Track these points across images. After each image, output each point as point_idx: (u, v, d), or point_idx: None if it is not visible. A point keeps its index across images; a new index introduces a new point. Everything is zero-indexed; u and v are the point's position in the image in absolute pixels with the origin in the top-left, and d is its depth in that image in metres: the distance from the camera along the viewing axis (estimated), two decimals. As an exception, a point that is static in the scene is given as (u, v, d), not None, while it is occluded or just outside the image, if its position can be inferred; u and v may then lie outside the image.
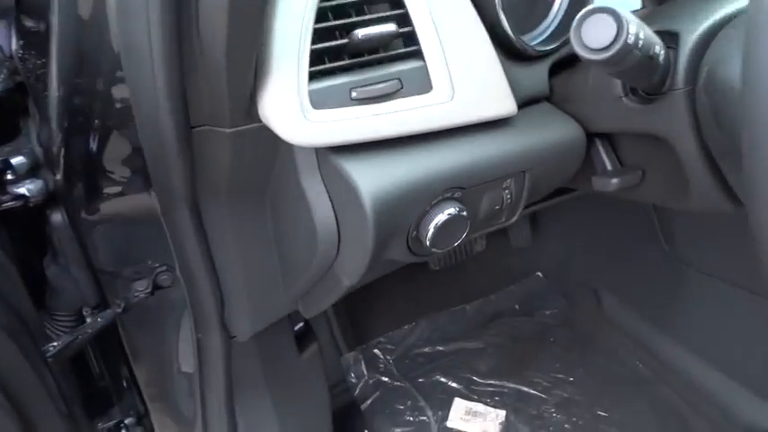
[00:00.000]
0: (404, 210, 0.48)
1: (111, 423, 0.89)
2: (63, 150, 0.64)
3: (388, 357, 1.30)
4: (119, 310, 0.75)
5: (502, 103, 0.51)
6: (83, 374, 0.85)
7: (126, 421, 0.91)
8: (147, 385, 0.89)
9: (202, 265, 0.73)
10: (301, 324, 1.00)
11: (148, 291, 0.76)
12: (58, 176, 0.66)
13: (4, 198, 0.66)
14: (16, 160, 0.64)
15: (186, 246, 0.70)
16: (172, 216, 0.66)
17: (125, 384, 0.90)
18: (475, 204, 0.54)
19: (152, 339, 0.85)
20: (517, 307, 1.39)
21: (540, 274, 1.44)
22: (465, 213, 0.52)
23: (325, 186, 0.49)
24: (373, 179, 0.46)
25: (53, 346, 0.67)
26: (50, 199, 0.69)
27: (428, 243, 0.51)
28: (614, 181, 0.57)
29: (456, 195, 0.51)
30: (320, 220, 0.50)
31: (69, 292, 0.76)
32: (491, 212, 0.55)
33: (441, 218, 0.50)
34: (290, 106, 0.45)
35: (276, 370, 0.90)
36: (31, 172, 0.66)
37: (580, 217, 1.31)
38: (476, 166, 0.50)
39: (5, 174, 0.65)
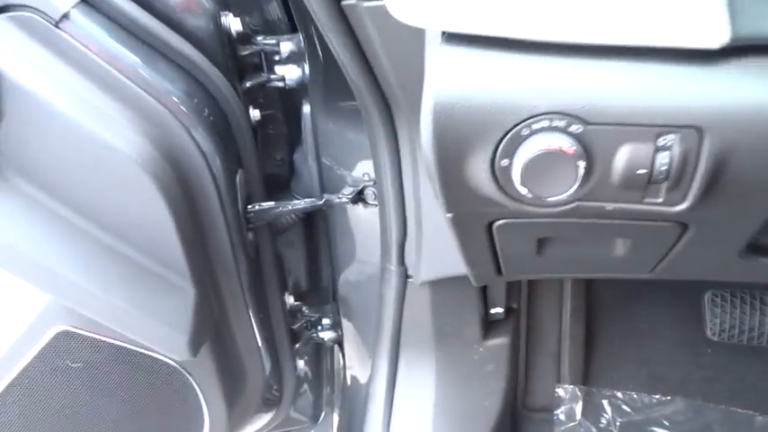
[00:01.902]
0: (483, 120, 0.38)
1: (312, 317, 0.99)
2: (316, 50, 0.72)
3: (617, 417, 1.07)
4: (319, 203, 0.81)
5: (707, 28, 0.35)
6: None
7: (323, 322, 0.99)
8: (341, 296, 0.95)
9: (390, 189, 0.73)
10: (500, 310, 0.91)
11: (350, 197, 0.80)
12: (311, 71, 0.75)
13: (273, 76, 0.78)
14: (285, 45, 0.76)
15: (380, 160, 0.71)
16: (370, 124, 0.66)
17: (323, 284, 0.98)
18: (603, 154, 0.39)
19: (351, 251, 0.89)
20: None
21: None
22: (579, 156, 0.38)
23: None
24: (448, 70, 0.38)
25: (259, 205, 0.78)
26: (303, 89, 0.80)
27: (517, 178, 0.39)
28: None
29: (573, 129, 0.38)
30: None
31: (305, 177, 0.87)
32: (631, 177, 0.39)
33: (537, 147, 0.38)
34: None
35: (448, 337, 0.84)
36: (295, 59, 0.77)
37: None
38: (611, 92, 0.36)
39: (275, 55, 0.77)
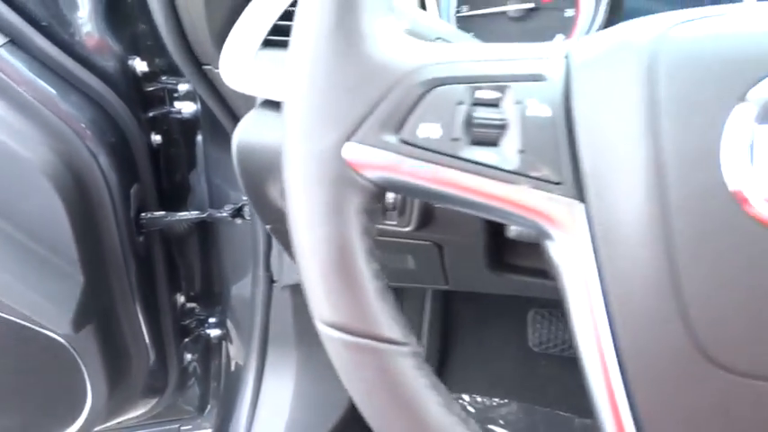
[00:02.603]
0: (269, 162, 0.56)
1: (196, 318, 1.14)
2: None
3: (461, 417, 1.25)
4: (203, 215, 0.98)
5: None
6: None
7: (210, 320, 1.14)
8: (228, 298, 1.11)
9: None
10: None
11: (230, 213, 0.97)
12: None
13: (172, 109, 0.95)
14: (182, 86, 0.93)
15: None
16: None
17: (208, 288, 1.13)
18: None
19: (236, 259, 1.06)
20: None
21: None
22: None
23: None
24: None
25: (151, 214, 0.94)
26: (197, 121, 0.97)
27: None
28: None
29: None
30: None
31: (198, 194, 1.03)
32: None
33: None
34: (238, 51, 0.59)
35: (308, 335, 1.01)
36: (190, 97, 0.94)
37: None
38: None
39: (175, 92, 0.94)
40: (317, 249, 0.31)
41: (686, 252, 0.28)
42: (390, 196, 0.57)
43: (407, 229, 0.61)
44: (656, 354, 0.29)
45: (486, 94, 0.30)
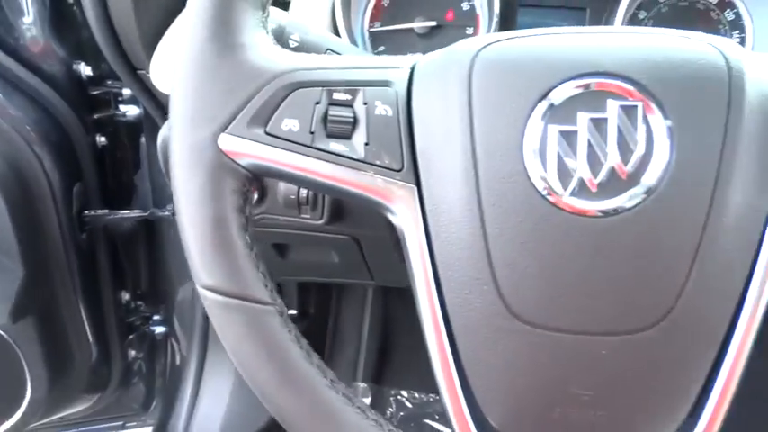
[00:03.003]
0: None
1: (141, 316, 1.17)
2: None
3: (399, 411, 1.31)
4: (145, 214, 1.02)
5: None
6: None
7: (155, 318, 1.18)
8: (174, 295, 1.15)
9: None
10: (294, 312, 1.14)
11: (171, 212, 1.02)
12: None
13: (117, 112, 1.00)
14: (126, 90, 0.97)
15: None
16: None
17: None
18: (271, 186, 0.63)
19: (181, 257, 1.10)
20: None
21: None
22: (253, 182, 0.63)
23: None
24: None
25: (94, 212, 0.98)
26: (141, 123, 1.01)
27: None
28: None
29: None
30: None
31: (142, 193, 1.07)
32: (287, 200, 0.64)
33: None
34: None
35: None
36: (134, 101, 0.99)
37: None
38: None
39: (119, 96, 0.99)
40: (197, 223, 0.37)
41: (493, 227, 0.35)
42: (303, 191, 0.63)
43: (320, 222, 0.66)
44: (473, 310, 0.36)
45: (340, 96, 0.37)
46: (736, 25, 0.66)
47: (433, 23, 0.68)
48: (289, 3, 0.67)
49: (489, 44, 0.36)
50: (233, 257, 0.37)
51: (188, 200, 0.37)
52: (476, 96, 0.35)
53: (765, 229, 0.34)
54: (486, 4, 0.66)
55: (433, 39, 0.69)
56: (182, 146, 0.37)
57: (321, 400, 0.37)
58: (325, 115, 0.37)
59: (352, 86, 0.37)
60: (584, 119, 0.34)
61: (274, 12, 0.50)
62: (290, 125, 0.36)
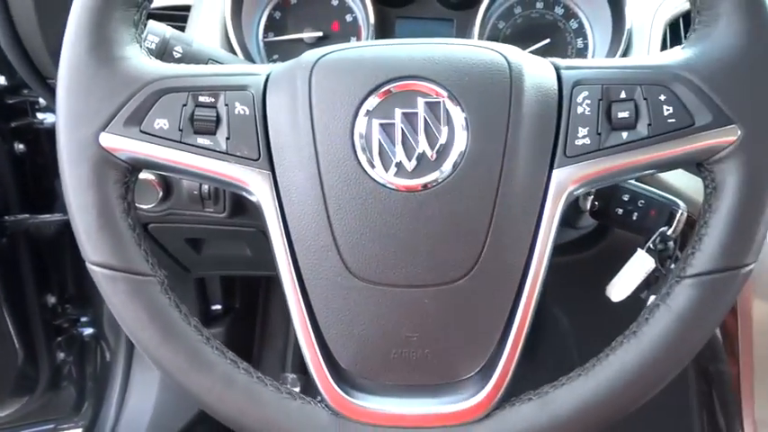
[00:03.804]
0: None
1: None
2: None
3: (327, 399, 1.38)
4: (66, 217, 1.05)
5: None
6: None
7: (82, 320, 1.21)
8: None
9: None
10: (219, 307, 1.19)
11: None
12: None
13: (35, 120, 1.03)
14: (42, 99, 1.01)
15: None
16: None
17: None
18: (176, 183, 0.70)
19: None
20: None
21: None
22: (158, 184, 0.69)
23: None
24: None
25: (14, 216, 1.01)
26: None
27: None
28: None
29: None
30: None
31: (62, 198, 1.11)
32: (191, 195, 0.69)
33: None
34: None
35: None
36: (51, 109, 1.02)
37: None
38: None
39: (36, 104, 1.02)
40: (84, 208, 0.43)
41: (333, 203, 0.43)
42: (205, 186, 0.69)
43: (223, 215, 0.73)
44: (322, 272, 0.44)
45: (204, 98, 0.44)
46: (580, 33, 0.76)
47: (320, 34, 0.76)
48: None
49: (326, 54, 0.44)
50: (117, 236, 0.43)
51: (75, 189, 0.43)
52: (315, 97, 0.43)
53: (546, 194, 0.43)
54: (365, 17, 0.74)
55: (322, 47, 0.77)
56: (68, 143, 0.43)
57: (197, 353, 0.44)
58: (192, 115, 0.44)
59: (215, 90, 0.44)
60: (399, 113, 0.42)
61: (159, 26, 0.56)
62: (161, 124, 0.43)
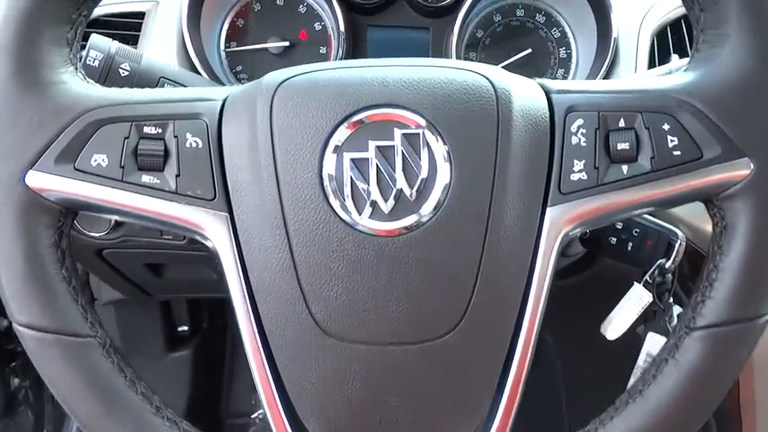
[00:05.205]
0: None
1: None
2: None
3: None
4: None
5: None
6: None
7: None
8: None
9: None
10: (185, 328, 1.13)
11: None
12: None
13: None
14: None
15: None
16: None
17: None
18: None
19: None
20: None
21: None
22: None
23: None
24: None
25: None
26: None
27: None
28: None
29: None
30: None
31: None
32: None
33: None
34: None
35: (135, 351, 1.04)
36: None
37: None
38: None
39: None
40: (8, 260, 0.37)
41: (300, 250, 0.37)
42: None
43: (182, 242, 0.67)
44: (287, 327, 0.38)
45: (150, 129, 0.38)
46: (563, 42, 0.72)
47: (287, 44, 0.70)
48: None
49: (290, 78, 0.39)
50: (47, 292, 0.37)
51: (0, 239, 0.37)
52: (277, 128, 0.37)
53: (540, 234, 0.38)
54: (335, 25, 0.68)
55: (289, 58, 0.71)
56: None
57: (146, 426, 0.38)
58: (136, 149, 0.38)
59: (163, 120, 0.38)
60: (373, 147, 0.37)
61: (103, 40, 0.50)
62: (99, 160, 0.37)
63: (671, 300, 0.50)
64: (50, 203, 0.38)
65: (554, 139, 0.39)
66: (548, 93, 0.40)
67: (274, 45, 0.70)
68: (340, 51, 0.68)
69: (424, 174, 0.37)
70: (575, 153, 0.38)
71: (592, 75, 0.68)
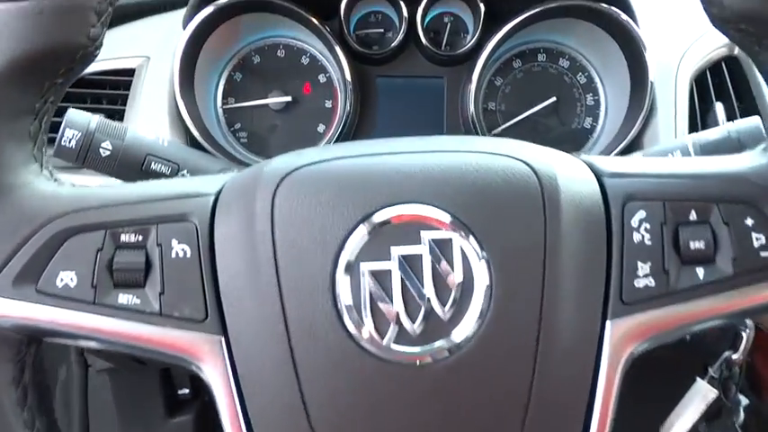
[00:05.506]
0: None
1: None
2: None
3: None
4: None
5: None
6: None
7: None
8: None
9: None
10: (187, 391, 1.06)
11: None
12: None
13: None
14: None
15: None
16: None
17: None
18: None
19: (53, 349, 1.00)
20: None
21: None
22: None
23: None
24: None
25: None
26: None
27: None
28: None
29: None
30: None
31: None
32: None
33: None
34: None
35: (133, 418, 0.97)
36: None
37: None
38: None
39: None
40: None
41: (310, 385, 0.31)
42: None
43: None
44: (296, 475, 0.31)
45: (128, 237, 0.32)
46: (590, 88, 0.66)
47: (289, 98, 0.64)
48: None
49: (295, 170, 0.33)
50: None
51: None
52: (279, 232, 0.31)
53: (599, 356, 0.32)
54: (341, 77, 0.63)
55: (291, 113, 0.65)
56: None
57: None
58: (111, 263, 0.31)
59: (144, 224, 0.32)
60: (396, 255, 0.31)
61: (81, 116, 0.44)
62: (66, 279, 0.31)
63: (739, 396, 0.44)
64: (7, 332, 0.31)
65: (611, 235, 0.32)
66: (599, 176, 0.34)
67: (275, 101, 0.64)
68: (347, 105, 0.62)
69: (458, 289, 0.30)
70: (638, 253, 0.32)
71: (626, 124, 0.62)
